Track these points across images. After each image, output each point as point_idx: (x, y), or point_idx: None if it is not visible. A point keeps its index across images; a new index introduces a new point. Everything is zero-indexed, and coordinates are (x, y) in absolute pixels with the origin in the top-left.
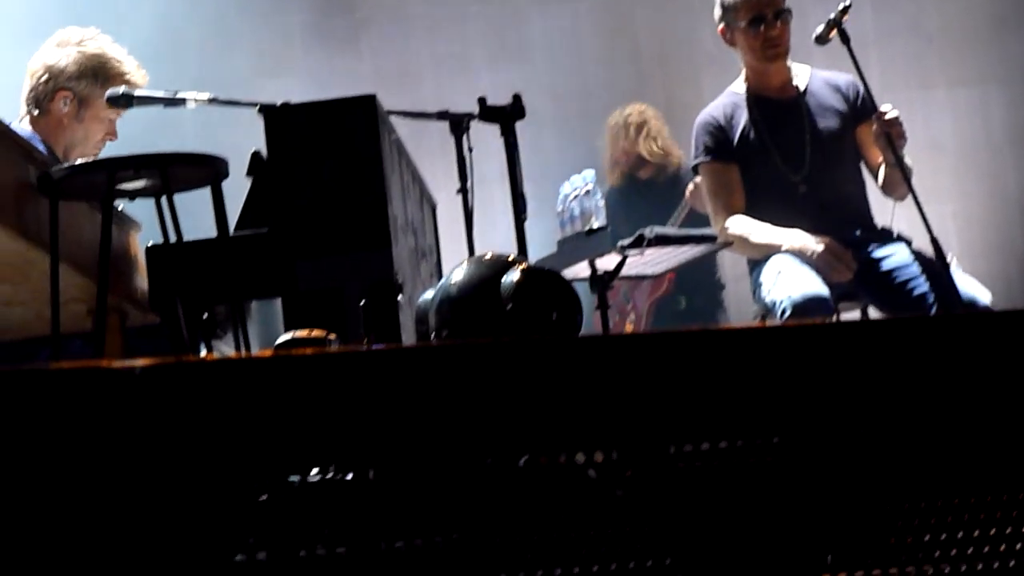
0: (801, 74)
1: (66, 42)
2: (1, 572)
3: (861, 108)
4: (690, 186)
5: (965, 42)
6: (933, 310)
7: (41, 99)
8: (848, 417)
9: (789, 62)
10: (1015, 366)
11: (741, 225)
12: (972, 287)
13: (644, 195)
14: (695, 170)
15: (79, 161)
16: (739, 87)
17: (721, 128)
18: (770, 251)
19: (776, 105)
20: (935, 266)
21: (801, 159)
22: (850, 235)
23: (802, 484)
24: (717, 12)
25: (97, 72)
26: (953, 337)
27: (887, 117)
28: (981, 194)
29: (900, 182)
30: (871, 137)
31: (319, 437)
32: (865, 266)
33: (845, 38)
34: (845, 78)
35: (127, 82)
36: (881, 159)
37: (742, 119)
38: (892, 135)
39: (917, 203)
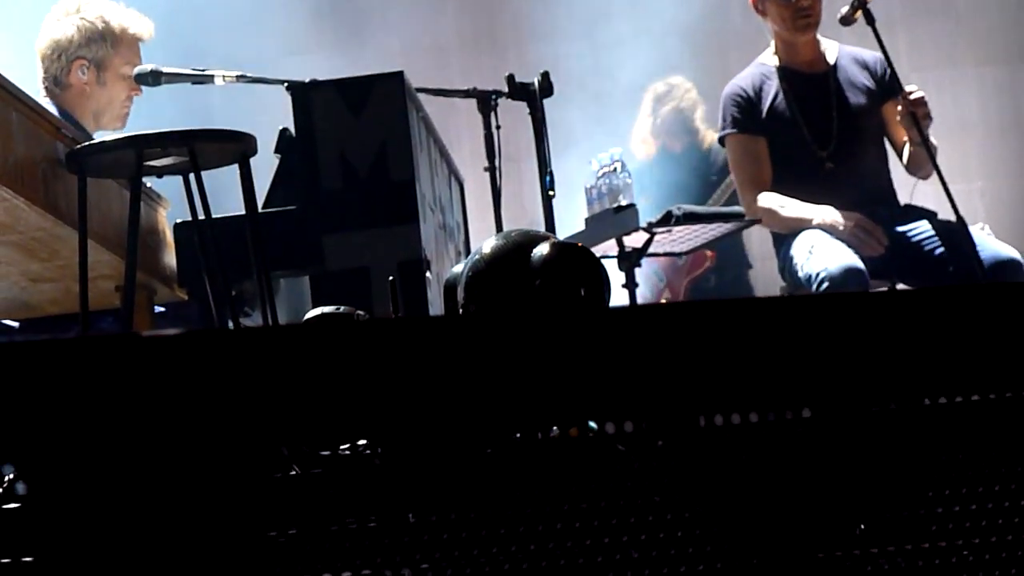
0: (830, 49)
1: (64, 13)
2: (35, 537)
3: (888, 86)
4: None
5: (993, 21)
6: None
7: (58, 75)
8: (880, 390)
9: (818, 36)
10: None
11: (771, 199)
12: (1003, 248)
13: (678, 169)
14: (721, 142)
15: (108, 137)
16: (768, 59)
17: (749, 100)
18: (800, 226)
19: (805, 79)
20: (959, 238)
21: (828, 134)
22: (875, 212)
23: (833, 458)
24: None
25: (104, 34)
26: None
27: (913, 97)
28: (1009, 172)
29: (925, 161)
30: (897, 115)
31: (346, 409)
32: (892, 242)
33: (870, 19)
34: (872, 55)
35: (133, 36)
36: (906, 138)
37: (771, 91)
38: (918, 115)
39: (942, 180)
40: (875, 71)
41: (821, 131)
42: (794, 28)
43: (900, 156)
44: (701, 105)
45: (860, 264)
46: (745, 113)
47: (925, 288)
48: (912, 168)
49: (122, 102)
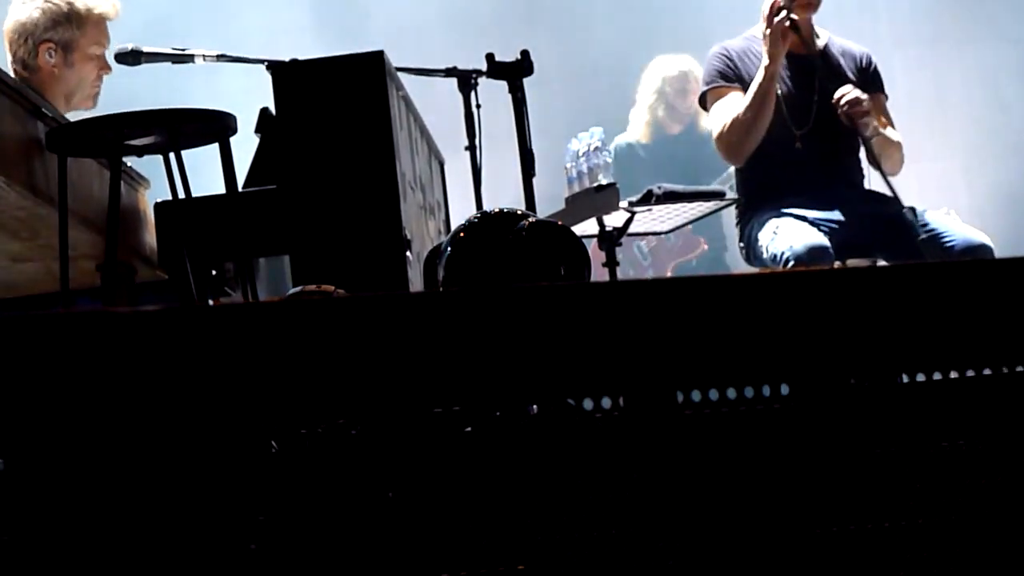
0: (820, 35)
1: None
2: (15, 514)
3: (870, 81)
4: None
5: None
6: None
7: (26, 58)
8: (856, 365)
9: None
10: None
11: (727, 113)
12: (972, 233)
13: (671, 151)
14: (703, 99)
15: (80, 116)
16: (759, 32)
17: (733, 61)
18: (763, 91)
19: (793, 58)
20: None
21: (807, 115)
22: (839, 192)
23: (810, 434)
24: None
25: (70, 15)
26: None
27: (842, 101)
28: (989, 150)
29: (883, 156)
30: (876, 110)
31: (327, 386)
32: (864, 220)
33: (795, 29)
34: (860, 49)
35: (99, 15)
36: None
37: (756, 62)
38: (853, 117)
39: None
40: (860, 64)
41: (800, 111)
42: (797, 5)
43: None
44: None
45: (826, 242)
46: (729, 70)
47: (900, 265)
48: (873, 162)
49: (92, 82)
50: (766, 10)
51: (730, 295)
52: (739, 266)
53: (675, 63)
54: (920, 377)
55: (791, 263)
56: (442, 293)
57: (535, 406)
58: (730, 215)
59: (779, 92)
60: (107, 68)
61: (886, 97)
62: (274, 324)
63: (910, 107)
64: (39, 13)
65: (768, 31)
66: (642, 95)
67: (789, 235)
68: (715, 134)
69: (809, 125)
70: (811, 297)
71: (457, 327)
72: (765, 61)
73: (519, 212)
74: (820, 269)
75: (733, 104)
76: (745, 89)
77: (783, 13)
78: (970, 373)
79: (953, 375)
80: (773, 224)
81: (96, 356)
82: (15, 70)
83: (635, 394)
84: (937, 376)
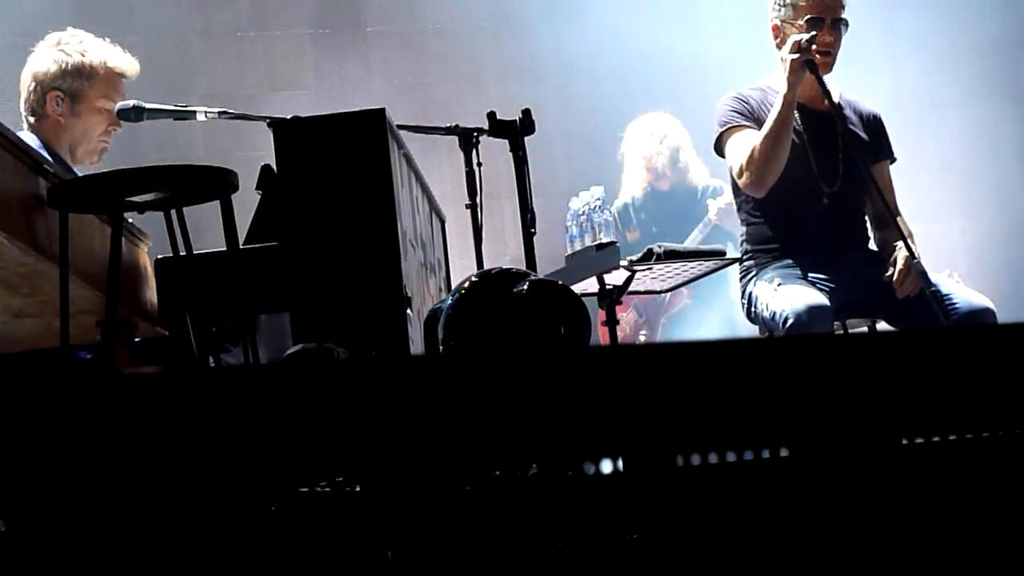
0: (833, 91)
1: (47, 46)
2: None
3: (882, 147)
4: (714, 203)
5: (975, 59)
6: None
7: (35, 105)
8: (856, 429)
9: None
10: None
11: (747, 146)
12: (975, 297)
13: (663, 207)
14: (719, 140)
15: (85, 171)
16: (775, 84)
17: (749, 104)
18: (782, 119)
19: (812, 112)
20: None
21: (836, 171)
22: (848, 254)
23: (810, 497)
24: (776, 7)
25: (81, 67)
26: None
27: (899, 277)
28: (990, 211)
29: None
30: (882, 179)
31: (328, 447)
32: (869, 281)
33: (812, 68)
34: (869, 108)
35: (112, 70)
36: (881, 206)
37: (770, 108)
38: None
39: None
40: (872, 127)
41: (828, 166)
42: (812, 50)
43: (870, 220)
44: (688, 142)
45: (825, 301)
46: (748, 112)
47: (903, 331)
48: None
49: (99, 136)
50: (789, 45)
51: (728, 360)
52: (743, 321)
53: (651, 120)
54: (919, 441)
55: (790, 321)
56: (439, 357)
57: (534, 467)
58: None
59: (808, 146)
60: (117, 125)
61: (892, 161)
62: (273, 387)
63: (911, 168)
64: (51, 62)
65: (789, 60)
66: (627, 155)
67: (790, 293)
68: (736, 168)
69: (839, 182)
70: (808, 362)
71: (455, 390)
72: (783, 89)
73: (519, 271)
74: (817, 335)
75: (751, 137)
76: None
77: (802, 52)
78: (969, 436)
79: (952, 438)
80: (775, 282)
81: (96, 419)
82: (26, 117)
83: (635, 457)
84: (936, 439)
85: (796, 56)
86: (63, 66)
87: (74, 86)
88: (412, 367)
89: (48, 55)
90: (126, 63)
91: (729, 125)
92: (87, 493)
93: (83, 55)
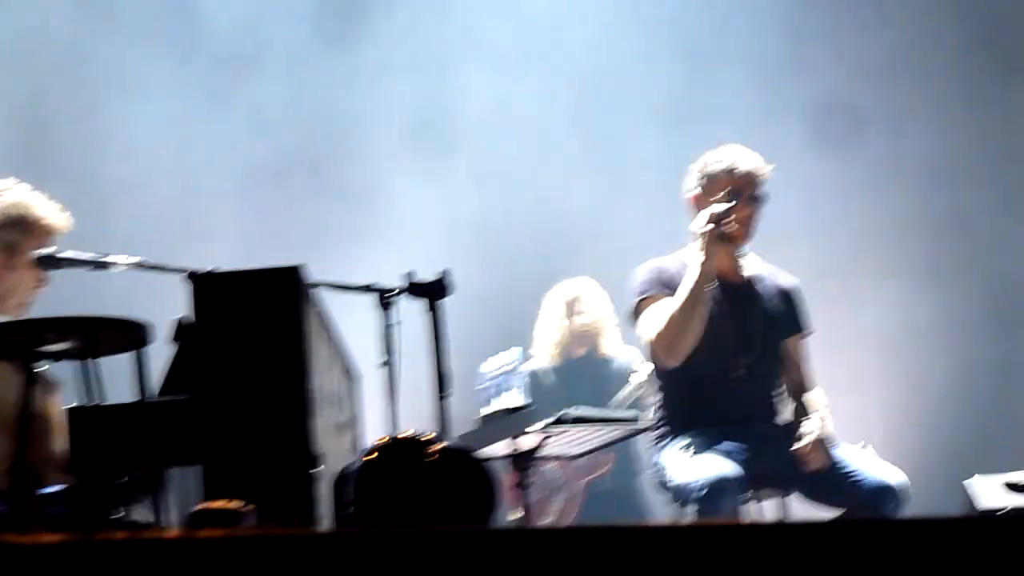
0: (750, 263)
1: None
2: None
3: (799, 319)
4: (635, 373)
5: (895, 234)
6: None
7: None
8: None
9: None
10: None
11: (662, 316)
12: (886, 471)
13: (579, 374)
14: (636, 309)
15: (5, 319)
16: (693, 254)
17: (666, 274)
18: (698, 288)
19: (729, 285)
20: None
21: (751, 343)
22: (758, 427)
23: None
24: (694, 178)
25: (19, 221)
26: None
27: (808, 452)
28: (906, 385)
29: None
30: (797, 351)
31: None
32: (782, 456)
33: (725, 239)
34: (787, 280)
35: (49, 227)
36: (797, 378)
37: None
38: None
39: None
40: (791, 299)
41: (744, 340)
42: (726, 223)
43: (788, 391)
44: (607, 308)
45: (736, 472)
46: (662, 282)
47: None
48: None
49: (29, 290)
50: (704, 217)
51: (632, 544)
52: (653, 490)
53: (570, 285)
54: None
55: (702, 491)
56: (334, 534)
57: None
58: (644, 439)
59: (727, 317)
60: (46, 279)
61: (808, 334)
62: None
63: (828, 340)
64: None
65: (704, 232)
66: (544, 320)
67: (701, 463)
68: (651, 336)
69: (755, 353)
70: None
71: (355, 565)
72: (700, 259)
73: (430, 436)
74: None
75: (667, 308)
76: None
77: (716, 224)
78: None
79: None
80: (688, 451)
81: None
82: None
83: None
84: None
85: (709, 228)
86: (2, 218)
87: (11, 238)
88: (309, 544)
89: None
90: (62, 221)
91: (645, 295)
92: None
93: (22, 209)
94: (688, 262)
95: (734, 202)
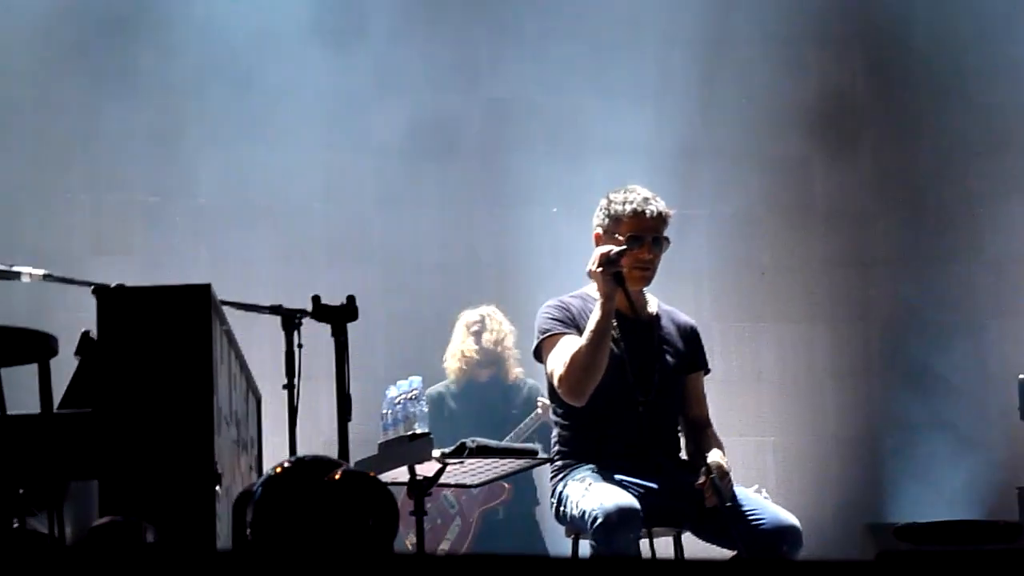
0: (651, 302)
1: None
2: None
3: (697, 357)
4: (541, 400)
5: (795, 279)
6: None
7: None
8: None
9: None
10: None
11: (566, 354)
12: (782, 513)
13: (484, 397)
14: (539, 348)
15: None
16: (593, 292)
17: (570, 312)
18: (601, 328)
19: (631, 322)
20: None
21: (651, 381)
22: (660, 461)
23: None
24: (599, 217)
25: None
26: None
27: (713, 476)
28: (801, 427)
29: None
30: (696, 388)
31: None
32: (680, 490)
33: (620, 279)
34: (686, 319)
35: None
36: (697, 414)
37: (589, 316)
38: (719, 491)
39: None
40: (689, 338)
41: (644, 376)
42: (628, 277)
43: (685, 430)
44: (510, 337)
45: (636, 504)
46: (567, 319)
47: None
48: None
49: None
50: (596, 258)
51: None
52: (551, 522)
53: (475, 311)
54: None
55: (599, 521)
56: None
57: None
58: (544, 471)
59: (625, 355)
60: None
61: (706, 373)
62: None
63: (726, 380)
64: None
65: (599, 273)
66: (451, 344)
67: (601, 493)
68: (555, 375)
69: (653, 391)
70: None
71: None
72: (600, 300)
73: (331, 460)
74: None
75: (571, 345)
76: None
77: (608, 264)
78: None
79: None
80: (586, 482)
81: None
82: None
83: None
84: None
85: (601, 269)
86: None
87: None
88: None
89: None
90: None
91: (550, 333)
92: None
93: None
94: (591, 298)
95: (626, 247)
